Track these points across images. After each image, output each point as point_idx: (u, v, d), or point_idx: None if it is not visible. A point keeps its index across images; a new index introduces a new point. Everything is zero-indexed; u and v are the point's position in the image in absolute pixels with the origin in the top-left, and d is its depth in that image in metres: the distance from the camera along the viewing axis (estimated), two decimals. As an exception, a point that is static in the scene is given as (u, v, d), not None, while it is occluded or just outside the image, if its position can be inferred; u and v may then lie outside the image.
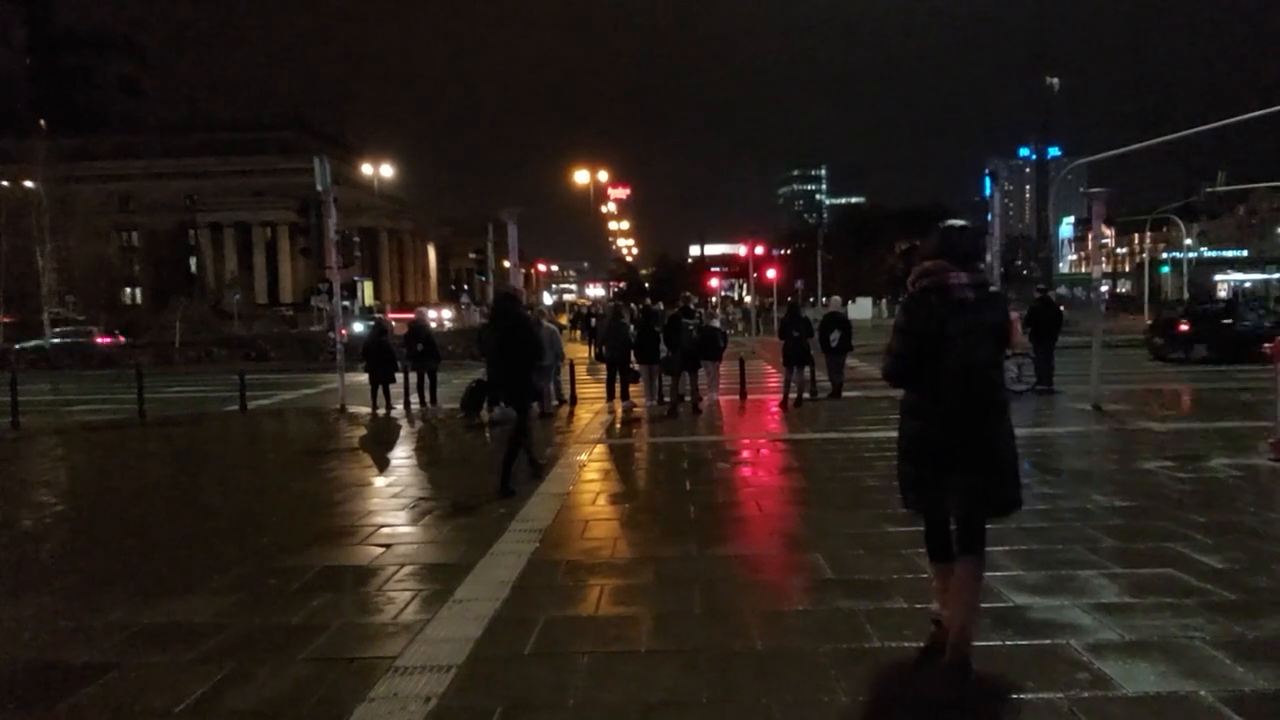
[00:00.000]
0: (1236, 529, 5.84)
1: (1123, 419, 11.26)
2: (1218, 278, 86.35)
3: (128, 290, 74.36)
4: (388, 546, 6.15)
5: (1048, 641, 3.99)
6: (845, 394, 14.58)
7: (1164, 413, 11.94)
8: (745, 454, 9.77)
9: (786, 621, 4.39)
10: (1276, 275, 69.78)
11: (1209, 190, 49.10)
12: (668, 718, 3.41)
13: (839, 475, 8.17)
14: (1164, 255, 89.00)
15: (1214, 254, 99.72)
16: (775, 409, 13.51)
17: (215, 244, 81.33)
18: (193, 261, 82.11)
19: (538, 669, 3.91)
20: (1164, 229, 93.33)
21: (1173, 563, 5.11)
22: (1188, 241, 78.14)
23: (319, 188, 15.60)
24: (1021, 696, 3.44)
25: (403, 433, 12.58)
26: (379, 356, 14.92)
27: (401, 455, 10.62)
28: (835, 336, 14.52)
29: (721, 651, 4.00)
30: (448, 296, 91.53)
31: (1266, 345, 8.43)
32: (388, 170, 56.04)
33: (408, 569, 5.61)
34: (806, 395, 14.24)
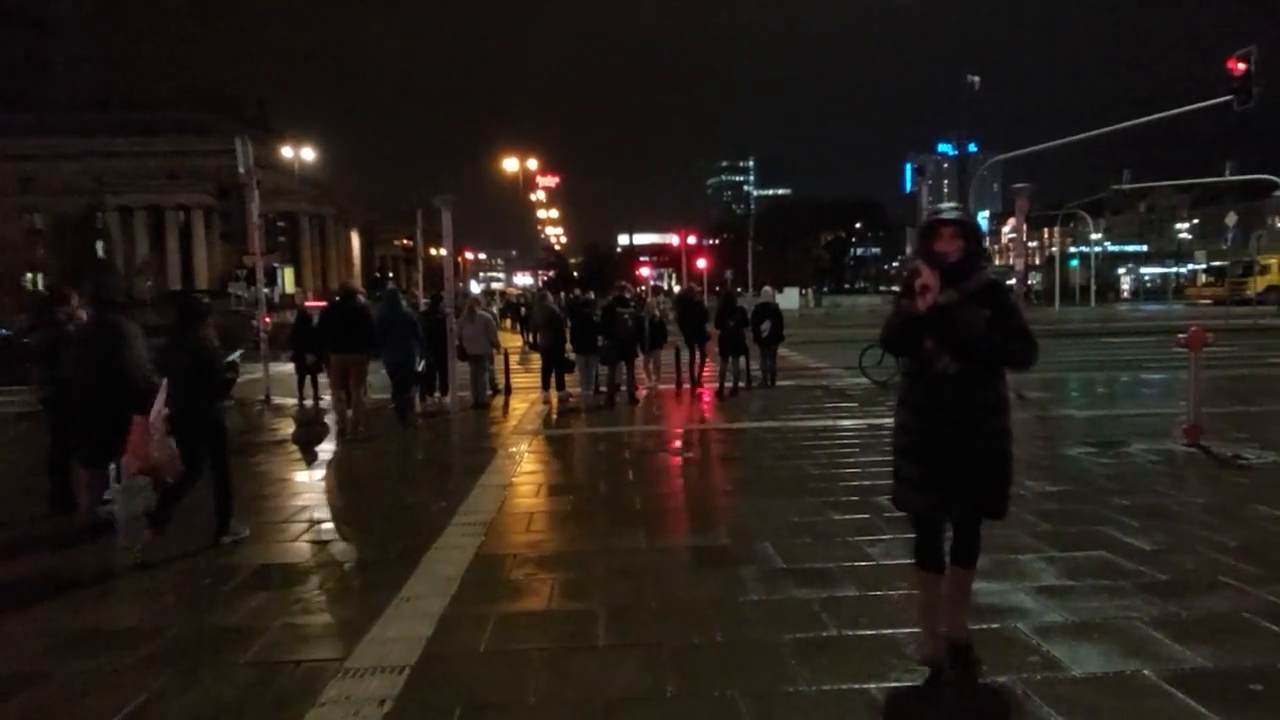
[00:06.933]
0: (1160, 512, 6.10)
1: (1045, 406, 11.67)
2: (1120, 271, 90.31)
3: (29, 276, 70.38)
4: (325, 543, 5.96)
5: (998, 625, 4.09)
6: (779, 383, 14.79)
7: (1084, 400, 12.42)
8: (686, 444, 9.78)
9: (743, 612, 4.40)
10: (1174, 269, 73.56)
11: (1115, 187, 51.43)
12: (633, 713, 3.38)
13: (780, 464, 8.25)
14: (1072, 249, 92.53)
15: (1118, 248, 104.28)
16: (712, 398, 13.59)
17: (125, 228, 77.65)
18: (100, 246, 78.23)
19: (494, 667, 3.83)
20: (1071, 224, 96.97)
21: (1105, 545, 5.31)
22: (1095, 236, 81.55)
23: (241, 170, 15.01)
24: (978, 680, 3.52)
25: (333, 424, 12.21)
26: (307, 345, 14.42)
27: (333, 448, 10.30)
28: (766, 326, 14.68)
29: (681, 644, 3.98)
30: (373, 284, 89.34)
31: (1181, 335, 8.81)
32: (309, 154, 54.35)
33: (348, 565, 5.45)
34: (742, 384, 14.38)
